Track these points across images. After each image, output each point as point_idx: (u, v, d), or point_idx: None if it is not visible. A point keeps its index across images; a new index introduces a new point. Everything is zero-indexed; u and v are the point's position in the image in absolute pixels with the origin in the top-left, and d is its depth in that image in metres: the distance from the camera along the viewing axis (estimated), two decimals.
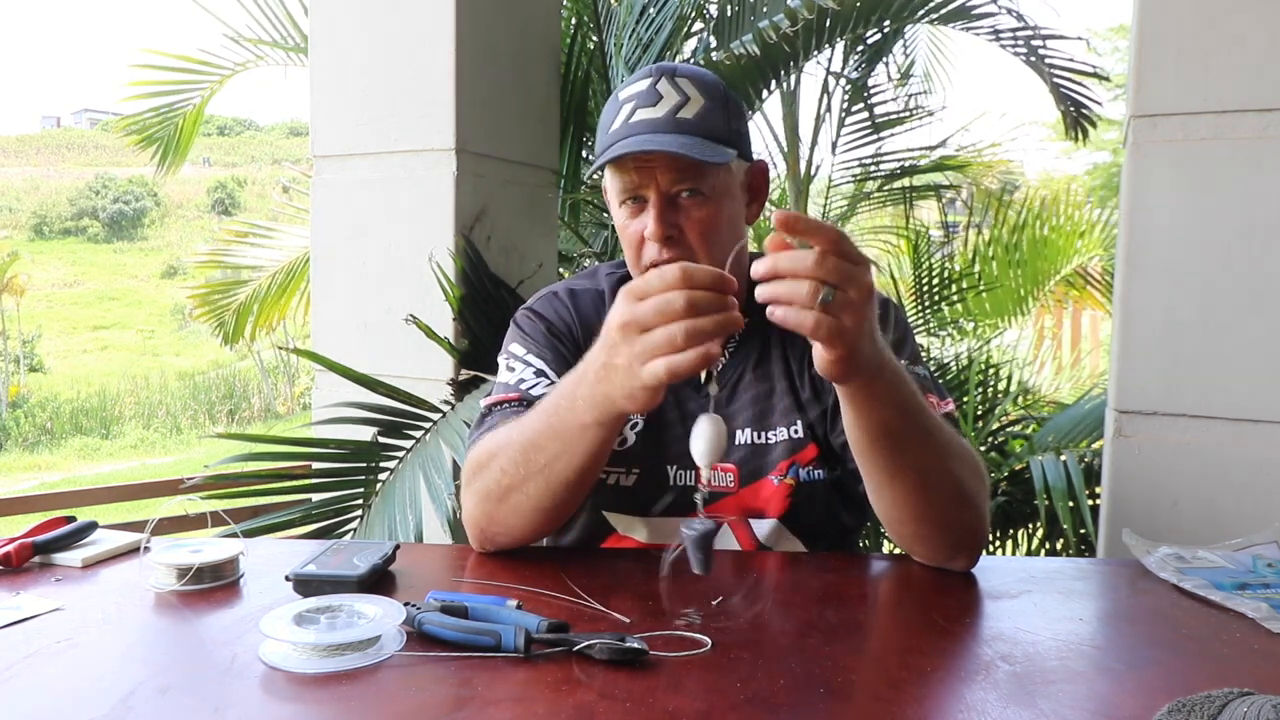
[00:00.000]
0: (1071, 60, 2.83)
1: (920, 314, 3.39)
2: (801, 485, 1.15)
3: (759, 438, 1.17)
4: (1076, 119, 2.94)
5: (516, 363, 1.18)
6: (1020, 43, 2.79)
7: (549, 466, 0.98)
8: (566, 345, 1.20)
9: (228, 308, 4.03)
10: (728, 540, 1.18)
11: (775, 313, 0.81)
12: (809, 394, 1.18)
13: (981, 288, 3.53)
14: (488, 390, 1.24)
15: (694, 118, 1.09)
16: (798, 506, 1.15)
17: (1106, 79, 2.97)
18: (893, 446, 0.96)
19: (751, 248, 1.29)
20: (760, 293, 0.81)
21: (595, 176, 1.25)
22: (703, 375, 1.06)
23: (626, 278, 1.26)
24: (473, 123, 2.06)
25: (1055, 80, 2.86)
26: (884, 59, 3.46)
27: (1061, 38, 2.79)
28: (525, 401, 1.13)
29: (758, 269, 0.81)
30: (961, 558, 1.05)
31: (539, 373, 1.16)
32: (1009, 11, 2.68)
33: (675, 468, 1.17)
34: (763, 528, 1.16)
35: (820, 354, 0.85)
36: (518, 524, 1.04)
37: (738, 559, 1.10)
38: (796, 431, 1.17)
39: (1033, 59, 2.84)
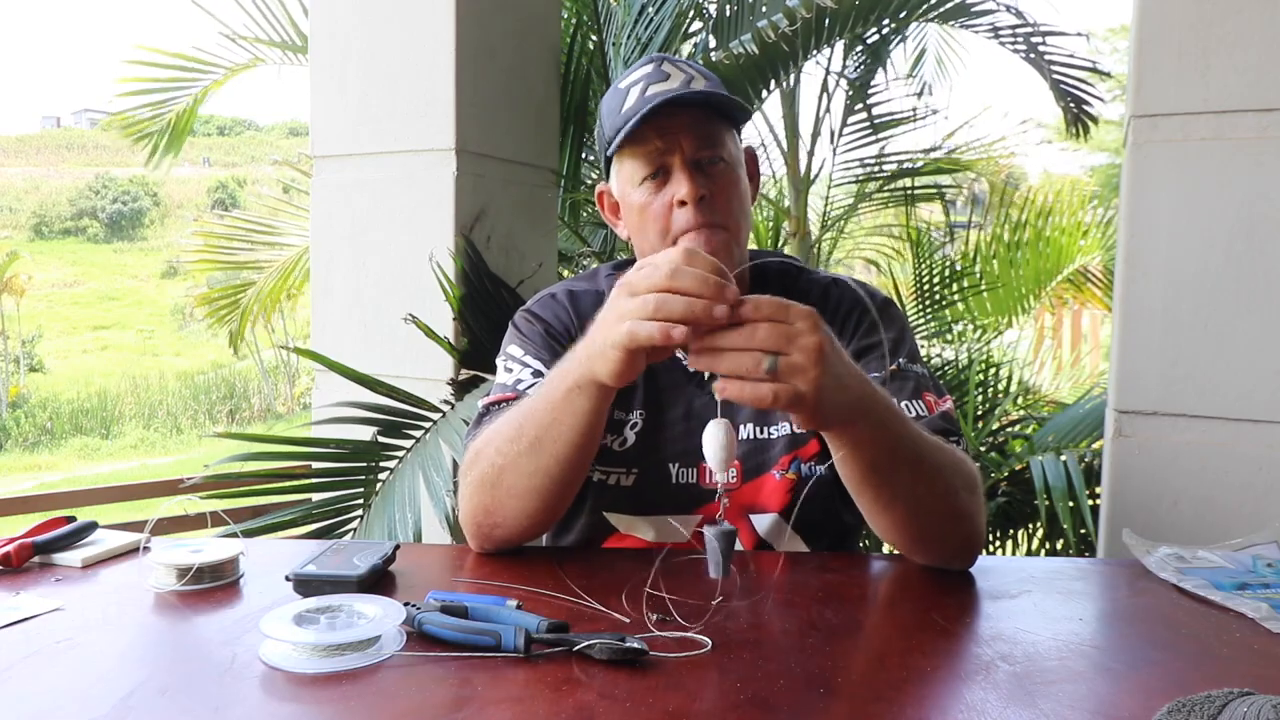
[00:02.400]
0: (1071, 56, 2.83)
1: (921, 314, 3.39)
2: (803, 480, 1.16)
3: (761, 432, 1.17)
4: (1077, 115, 2.93)
5: (514, 364, 1.18)
6: (1019, 40, 2.79)
7: (539, 439, 0.98)
8: (565, 348, 1.19)
9: (234, 311, 4.04)
10: None
11: (727, 389, 0.81)
12: None
13: (983, 287, 3.53)
14: (486, 390, 1.24)
15: (706, 89, 1.13)
16: (797, 500, 1.15)
17: (1107, 75, 2.97)
18: (881, 482, 0.96)
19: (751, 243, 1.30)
20: (703, 363, 0.82)
21: (597, 175, 1.26)
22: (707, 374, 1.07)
23: None
24: (472, 123, 2.07)
25: (1055, 77, 2.86)
26: (885, 58, 3.45)
27: (1061, 34, 2.79)
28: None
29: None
30: (958, 562, 1.05)
31: (536, 374, 1.16)
32: (1008, 9, 2.68)
33: (676, 466, 1.17)
34: (763, 523, 1.17)
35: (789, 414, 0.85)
36: (514, 508, 1.03)
37: (738, 559, 1.10)
38: (798, 426, 1.17)
39: (1031, 55, 2.83)
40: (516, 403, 1.13)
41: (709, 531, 0.85)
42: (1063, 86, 2.88)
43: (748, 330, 0.80)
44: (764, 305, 0.81)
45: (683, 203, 1.11)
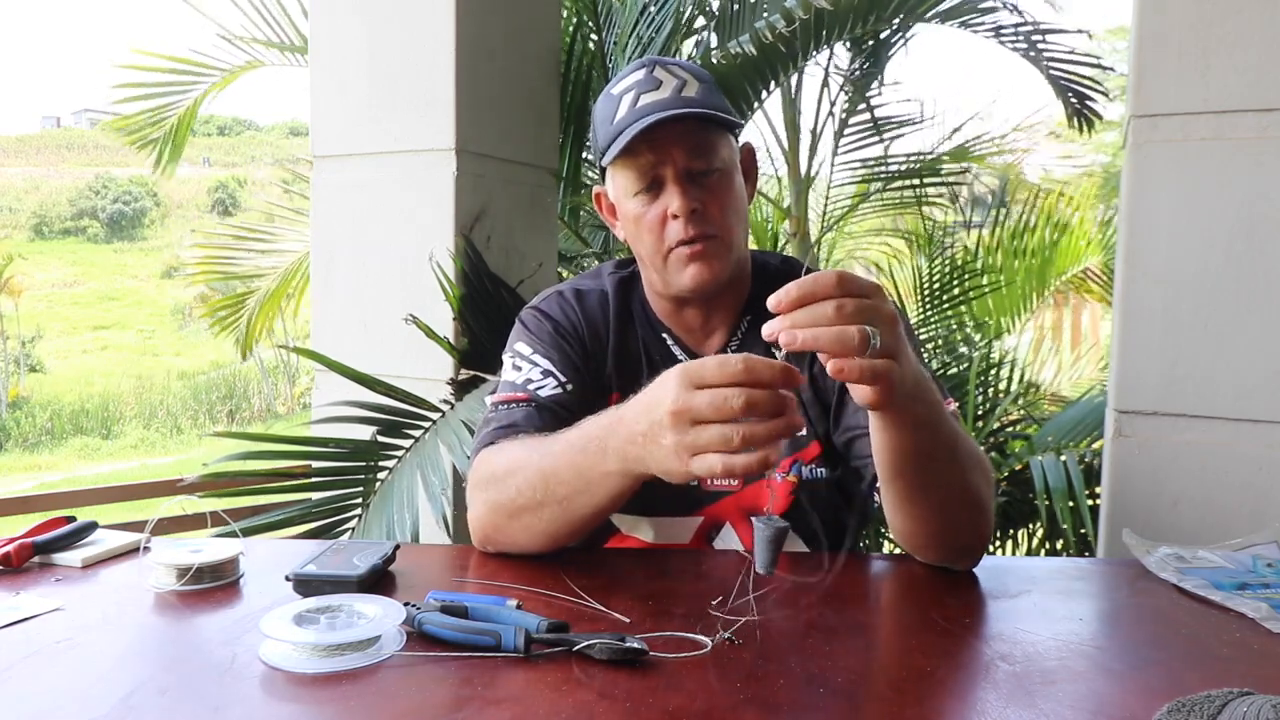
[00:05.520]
0: (1072, 53, 2.84)
1: (925, 316, 3.39)
2: (804, 483, 1.16)
3: None
4: (1080, 111, 2.93)
5: (523, 362, 1.18)
6: (1020, 38, 2.79)
7: (568, 500, 0.97)
8: (573, 346, 1.20)
9: (239, 319, 4.05)
10: (731, 540, 1.18)
11: (844, 370, 0.77)
12: (810, 393, 1.18)
13: (987, 289, 3.53)
14: (492, 388, 1.24)
15: (697, 95, 1.12)
16: (799, 504, 1.15)
17: (1110, 70, 2.97)
18: (922, 467, 0.94)
19: (751, 243, 1.30)
20: (800, 340, 0.76)
21: (596, 176, 1.26)
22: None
23: (630, 278, 1.26)
24: (473, 123, 2.07)
25: (1055, 74, 2.86)
26: (886, 59, 3.45)
27: (1061, 31, 2.80)
28: (533, 402, 1.13)
29: (774, 327, 0.77)
30: (967, 559, 1.05)
31: (546, 373, 1.15)
32: (1008, 7, 2.68)
33: None
34: None
35: (866, 391, 0.81)
36: (526, 541, 1.03)
37: (740, 560, 1.10)
38: (800, 429, 1.17)
39: (1031, 53, 2.83)
40: (528, 404, 1.12)
41: (758, 527, 0.82)
42: (1063, 83, 2.88)
43: (838, 305, 0.76)
44: (848, 279, 0.77)
45: (676, 215, 1.11)
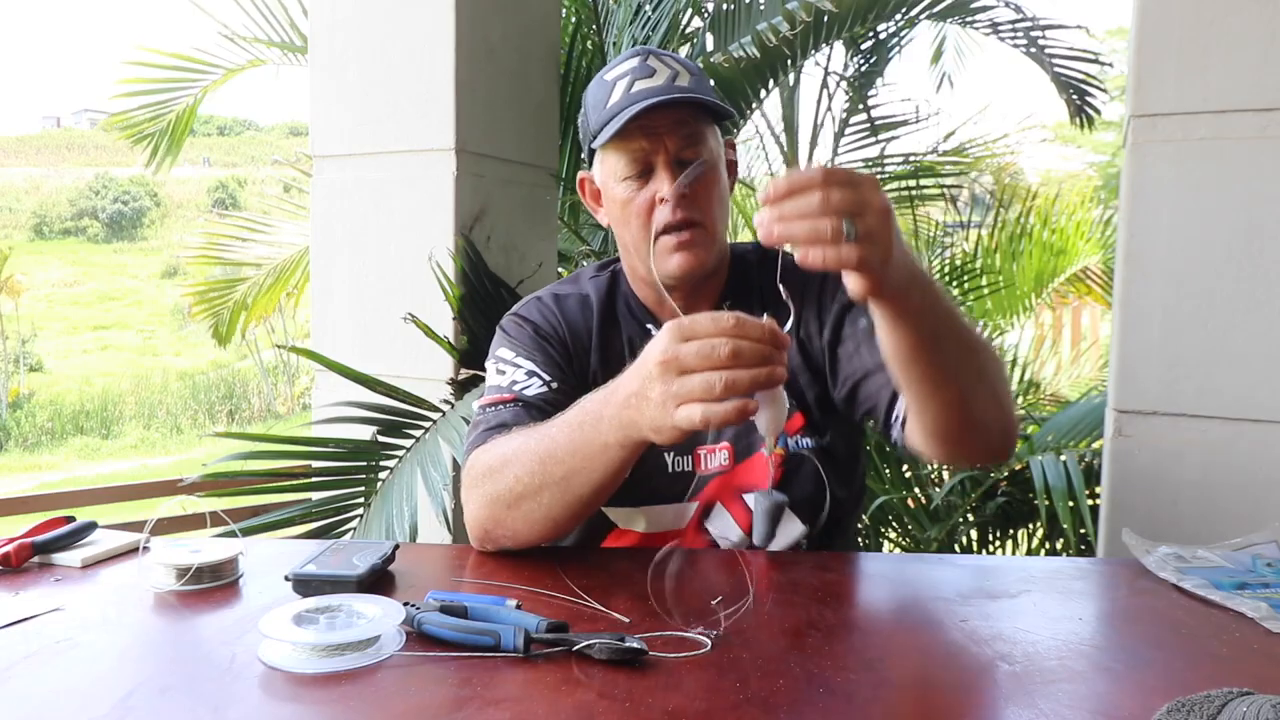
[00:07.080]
0: (1071, 49, 2.85)
1: None
2: (791, 455, 1.17)
3: None
4: (1080, 107, 2.94)
5: (507, 366, 1.19)
6: (1019, 34, 2.80)
7: (566, 480, 0.97)
8: (555, 348, 1.21)
9: (225, 304, 4.05)
10: (724, 520, 1.18)
11: (807, 256, 0.78)
12: (800, 358, 1.19)
13: (986, 289, 3.53)
14: (480, 393, 1.25)
15: (690, 85, 1.14)
16: (789, 476, 1.17)
17: (1109, 65, 2.98)
18: (935, 357, 0.94)
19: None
20: (776, 234, 0.78)
21: (584, 161, 1.27)
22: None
23: (612, 279, 1.27)
24: (472, 123, 2.06)
25: (1056, 70, 2.87)
26: (886, 59, 3.45)
27: (1061, 27, 2.81)
28: (520, 401, 1.14)
29: (762, 218, 0.79)
30: (1000, 452, 1.05)
31: (530, 374, 1.17)
32: (1006, 4, 2.69)
33: (672, 454, 1.18)
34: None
35: (852, 280, 0.82)
36: (526, 530, 1.04)
37: (738, 558, 1.10)
38: (783, 379, 1.18)
39: (1032, 50, 2.84)
40: (515, 404, 1.13)
41: (758, 499, 0.86)
42: (1064, 79, 2.88)
43: (822, 196, 0.77)
44: (835, 172, 0.78)
45: (664, 200, 1.12)
